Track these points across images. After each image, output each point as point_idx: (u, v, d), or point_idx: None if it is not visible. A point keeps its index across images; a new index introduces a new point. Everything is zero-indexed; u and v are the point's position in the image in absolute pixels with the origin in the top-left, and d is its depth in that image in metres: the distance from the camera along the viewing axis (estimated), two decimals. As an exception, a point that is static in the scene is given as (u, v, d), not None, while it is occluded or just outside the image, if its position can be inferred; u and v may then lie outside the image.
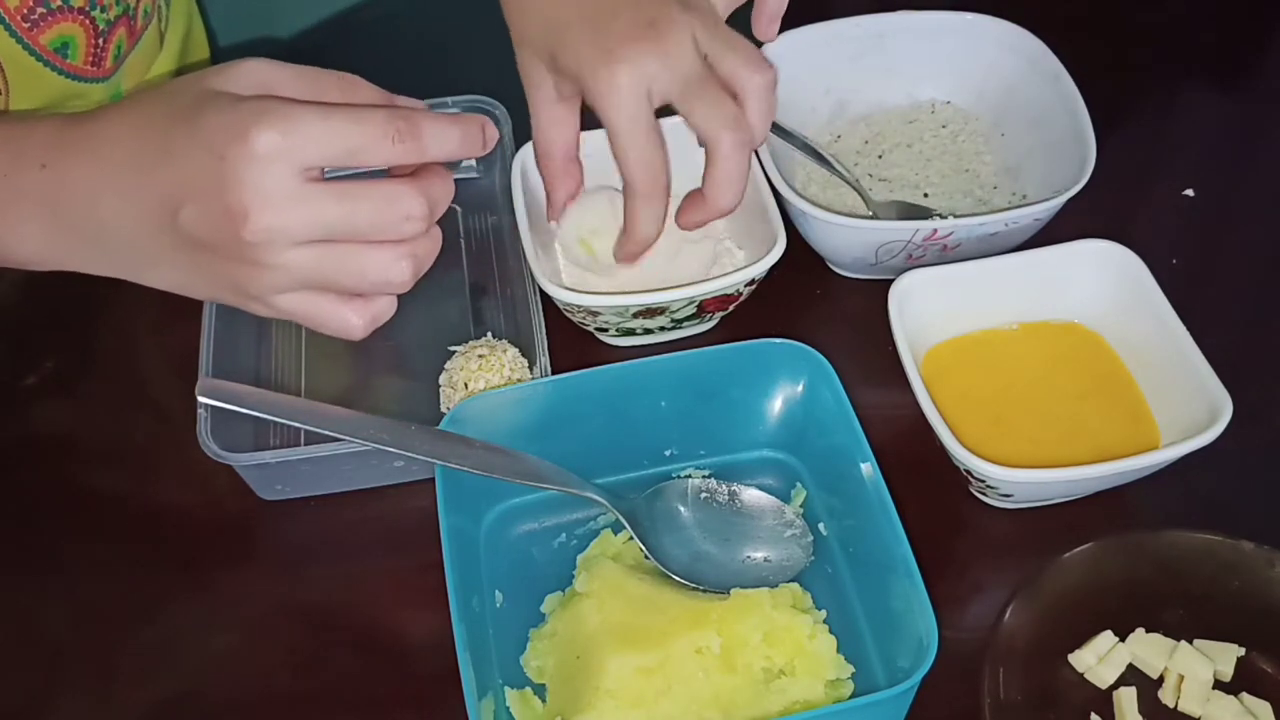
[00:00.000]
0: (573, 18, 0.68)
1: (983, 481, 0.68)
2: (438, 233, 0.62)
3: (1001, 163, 0.85)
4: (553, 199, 0.75)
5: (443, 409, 0.72)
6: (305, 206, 0.57)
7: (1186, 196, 0.87)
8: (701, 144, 0.68)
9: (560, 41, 0.68)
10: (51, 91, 0.83)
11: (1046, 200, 0.76)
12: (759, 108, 0.68)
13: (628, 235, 0.70)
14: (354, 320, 0.62)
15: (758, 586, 0.65)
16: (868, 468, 0.64)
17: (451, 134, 0.61)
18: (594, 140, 0.81)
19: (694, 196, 0.71)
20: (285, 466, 0.70)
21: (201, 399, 0.64)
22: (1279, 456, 0.74)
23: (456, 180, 0.87)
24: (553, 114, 0.72)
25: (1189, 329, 0.70)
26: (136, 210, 0.60)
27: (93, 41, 0.83)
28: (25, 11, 0.78)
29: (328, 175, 0.59)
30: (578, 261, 0.78)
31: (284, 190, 0.57)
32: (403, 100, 0.63)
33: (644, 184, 0.68)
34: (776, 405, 0.71)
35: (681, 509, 0.69)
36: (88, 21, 0.82)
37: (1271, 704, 0.63)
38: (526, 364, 0.73)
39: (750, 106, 0.68)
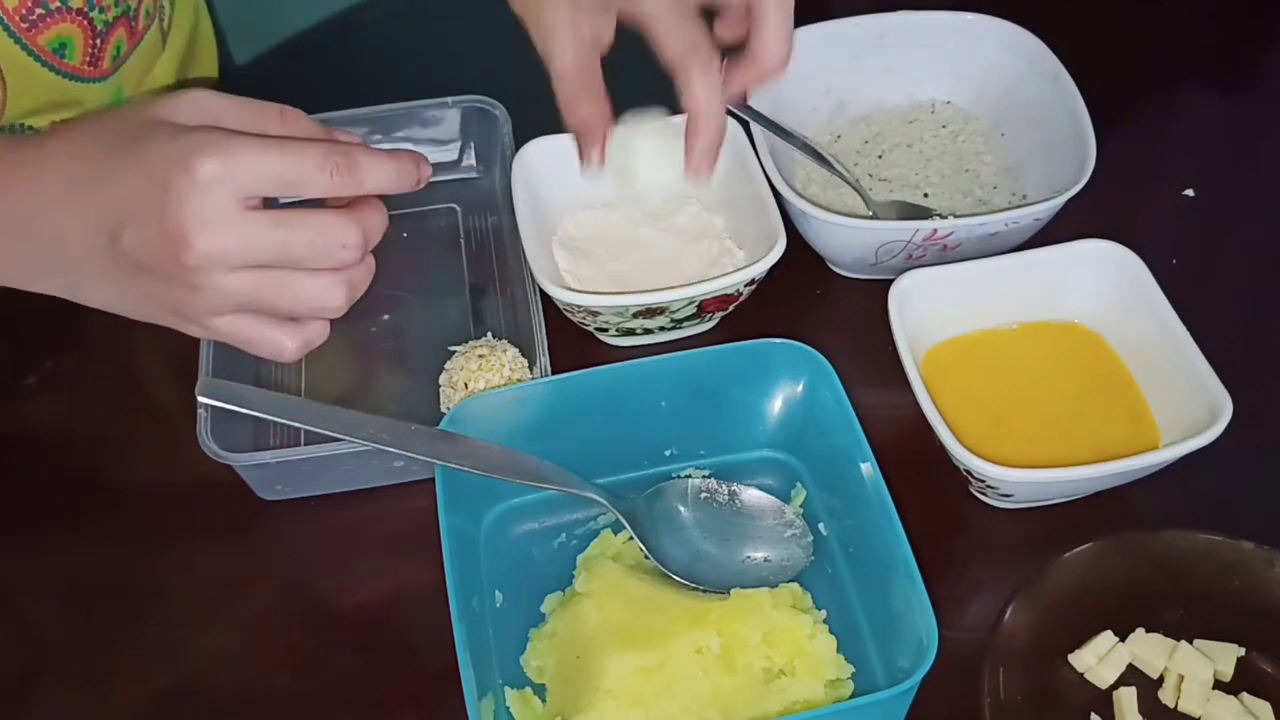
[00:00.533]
0: None
1: (983, 481, 0.68)
2: (371, 261, 0.63)
3: (1001, 163, 0.85)
4: (590, 128, 0.73)
5: (443, 409, 0.72)
6: (244, 233, 0.59)
7: (1186, 196, 0.87)
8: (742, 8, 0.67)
9: None
10: (49, 91, 0.84)
11: (1046, 200, 0.76)
12: None
13: (692, 120, 0.69)
14: (287, 344, 0.63)
15: (758, 586, 0.65)
16: (868, 468, 0.64)
17: (386, 168, 0.63)
18: (573, 143, 0.81)
19: (735, 63, 0.69)
20: (285, 466, 0.70)
21: (201, 399, 0.64)
22: (1279, 456, 0.74)
23: (457, 180, 0.88)
24: (583, 52, 0.71)
25: (1189, 329, 0.70)
26: (76, 231, 0.61)
27: (90, 42, 0.84)
28: (24, 12, 0.79)
29: (273, 204, 0.61)
30: (633, 193, 0.76)
31: (224, 217, 0.58)
32: (341, 134, 0.65)
33: (699, 66, 0.67)
34: (776, 405, 0.71)
35: (681, 509, 0.69)
36: (85, 22, 0.83)
37: (1271, 704, 0.63)
38: (526, 364, 0.73)
39: None
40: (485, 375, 0.71)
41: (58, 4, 0.80)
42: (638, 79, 0.82)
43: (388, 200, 0.65)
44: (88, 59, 0.85)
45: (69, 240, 0.62)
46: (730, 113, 0.80)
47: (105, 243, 0.60)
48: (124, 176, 0.60)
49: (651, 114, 0.75)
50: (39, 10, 0.80)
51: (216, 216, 0.58)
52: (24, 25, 0.79)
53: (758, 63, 0.69)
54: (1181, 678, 0.64)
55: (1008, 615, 0.63)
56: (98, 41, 0.84)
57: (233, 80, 1.00)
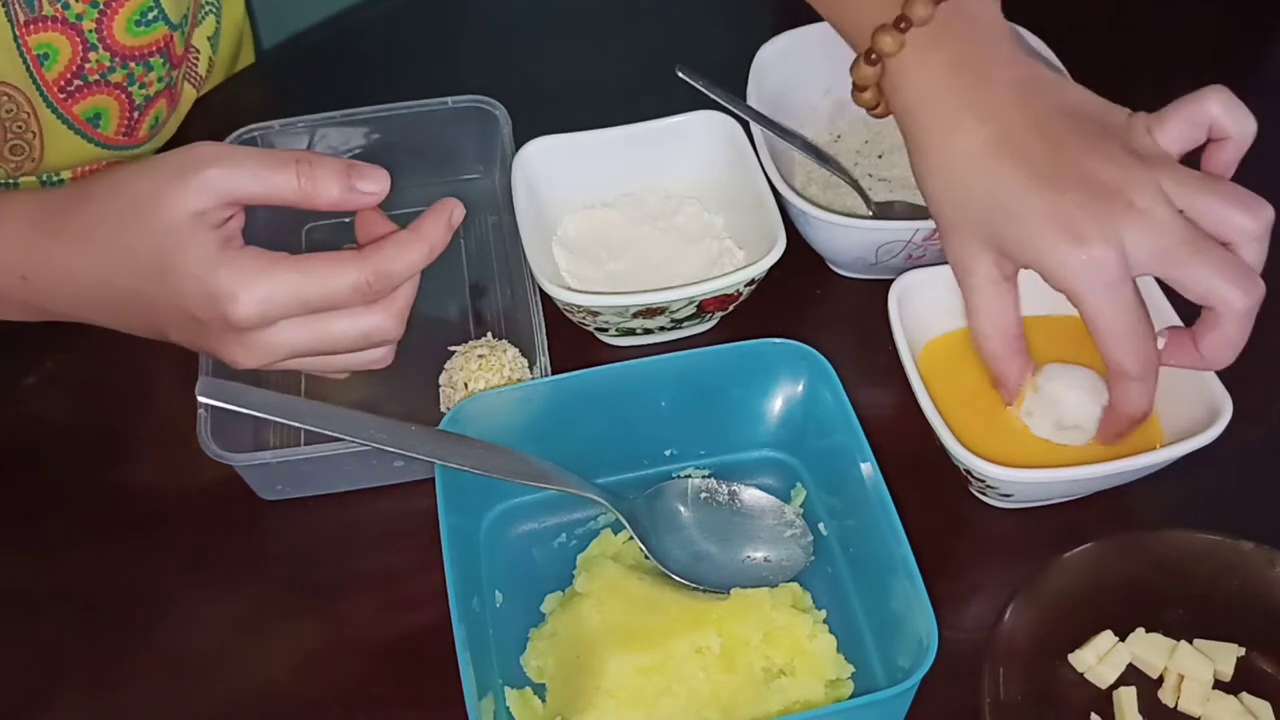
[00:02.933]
0: (1017, 199, 0.63)
1: (983, 481, 0.68)
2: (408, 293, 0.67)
3: (1001, 163, 0.85)
4: (1009, 384, 0.69)
5: (443, 409, 0.72)
6: (284, 348, 0.64)
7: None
8: (1200, 304, 0.63)
9: (1006, 224, 0.64)
10: (82, 155, 0.86)
11: (1046, 200, 0.76)
12: (1258, 252, 0.62)
13: (1117, 414, 0.66)
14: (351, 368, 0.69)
15: (758, 586, 0.65)
16: (868, 468, 0.64)
17: (417, 255, 0.65)
18: (577, 143, 0.81)
19: (1180, 341, 0.66)
20: (285, 466, 0.70)
21: (201, 399, 0.64)
22: (1279, 456, 0.74)
23: (456, 180, 0.88)
24: (997, 294, 0.66)
25: (1189, 329, 0.70)
26: (123, 326, 0.68)
27: (127, 114, 0.85)
28: (63, 84, 0.80)
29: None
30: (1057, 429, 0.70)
31: (264, 345, 0.64)
32: (364, 169, 0.65)
33: (1137, 367, 0.63)
34: (776, 405, 0.71)
35: (681, 509, 0.69)
36: (124, 96, 0.84)
37: (1271, 704, 0.63)
38: (526, 364, 0.73)
39: (1248, 253, 0.62)
40: (485, 375, 0.71)
41: (97, 77, 0.82)
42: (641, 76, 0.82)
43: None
44: (123, 130, 0.86)
45: (114, 324, 0.68)
46: (730, 112, 0.81)
47: (151, 332, 0.67)
48: (161, 298, 0.63)
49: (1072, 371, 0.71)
50: (78, 81, 0.81)
51: (256, 343, 0.63)
52: (61, 95, 0.81)
53: (1202, 357, 0.64)
54: (1181, 678, 0.64)
55: (1008, 615, 0.63)
56: (135, 114, 0.86)
57: (234, 81, 1.00)
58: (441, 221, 0.66)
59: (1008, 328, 0.67)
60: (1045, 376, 0.70)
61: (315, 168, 0.63)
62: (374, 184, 0.64)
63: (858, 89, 0.72)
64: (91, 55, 0.81)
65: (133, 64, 0.83)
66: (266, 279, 0.62)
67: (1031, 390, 0.70)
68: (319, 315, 0.64)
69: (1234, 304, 0.61)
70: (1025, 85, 0.67)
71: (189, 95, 0.93)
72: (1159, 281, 0.71)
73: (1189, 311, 0.70)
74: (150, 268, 0.62)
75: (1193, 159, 0.66)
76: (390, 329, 0.66)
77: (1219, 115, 0.65)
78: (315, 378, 0.75)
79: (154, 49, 0.84)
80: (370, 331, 0.65)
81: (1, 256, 0.66)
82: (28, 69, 0.80)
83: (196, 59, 0.92)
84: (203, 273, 0.61)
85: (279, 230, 0.81)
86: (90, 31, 0.81)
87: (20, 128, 0.81)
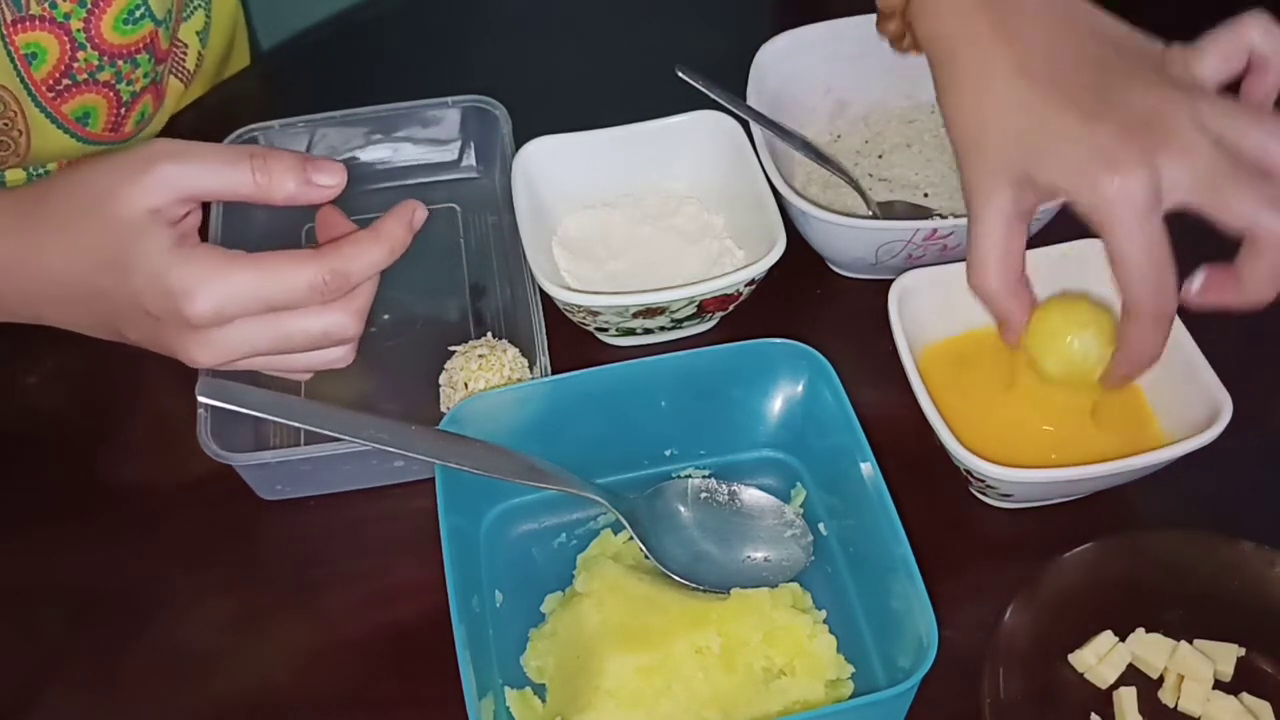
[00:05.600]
0: (1051, 125, 0.61)
1: (983, 481, 0.68)
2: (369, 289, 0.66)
3: (1001, 163, 0.85)
4: (1011, 323, 0.66)
5: (443, 409, 0.72)
6: (241, 344, 0.63)
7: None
8: (1238, 234, 0.60)
9: (1040, 153, 0.62)
10: (68, 150, 0.87)
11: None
12: None
13: (1126, 357, 0.64)
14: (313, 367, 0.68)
15: (758, 586, 0.65)
16: (868, 467, 0.64)
17: (377, 256, 0.64)
18: (577, 143, 0.81)
19: (1219, 279, 0.62)
20: (285, 466, 0.70)
21: (201, 399, 0.64)
22: (1279, 456, 0.74)
23: (456, 180, 0.88)
24: (1007, 230, 0.64)
25: (1189, 329, 0.70)
26: (80, 325, 0.67)
27: (114, 111, 0.85)
28: (51, 83, 0.80)
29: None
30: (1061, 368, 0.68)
31: (219, 340, 0.63)
32: (320, 162, 0.64)
33: (1154, 307, 0.61)
34: (776, 405, 0.71)
35: (681, 509, 0.69)
36: (112, 94, 0.84)
37: (1271, 704, 0.63)
38: (526, 364, 0.73)
39: None
40: (485, 375, 0.71)
41: (86, 76, 0.82)
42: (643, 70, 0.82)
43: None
44: (109, 126, 0.86)
45: (73, 324, 0.68)
46: (730, 112, 0.81)
47: (109, 332, 0.66)
48: (119, 296, 0.63)
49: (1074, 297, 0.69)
50: (66, 81, 0.81)
51: (216, 345, 0.63)
52: (50, 95, 0.80)
53: (1241, 291, 0.61)
54: (1181, 677, 0.64)
55: (1008, 615, 0.64)
56: (121, 110, 0.86)
57: (233, 81, 1.00)
58: (403, 222, 0.65)
59: (1012, 266, 0.65)
60: (1049, 310, 0.68)
61: (270, 162, 0.62)
62: (330, 177, 0.63)
63: (883, 16, 0.71)
64: (80, 54, 0.81)
65: (120, 62, 0.83)
66: (223, 276, 0.61)
67: (1037, 324, 0.67)
68: (277, 314, 0.63)
69: (1275, 230, 0.59)
70: (1059, 12, 0.65)
71: (175, 89, 0.92)
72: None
73: (1193, 324, 0.70)
74: (107, 265, 0.62)
75: (1232, 89, 0.64)
76: (349, 327, 0.65)
77: (1259, 42, 0.63)
78: (315, 378, 0.75)
79: (140, 46, 0.84)
80: (329, 329, 0.64)
81: None
82: (15, 69, 0.80)
83: (184, 53, 0.92)
84: (158, 269, 0.61)
85: (278, 229, 0.81)
86: (78, 31, 0.80)
87: (7, 125, 0.81)
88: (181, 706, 0.67)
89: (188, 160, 0.62)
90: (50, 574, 0.72)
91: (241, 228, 0.78)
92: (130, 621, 0.69)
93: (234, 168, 0.62)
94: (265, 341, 0.63)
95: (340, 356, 0.67)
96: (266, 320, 0.63)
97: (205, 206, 0.66)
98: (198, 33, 0.93)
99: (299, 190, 0.63)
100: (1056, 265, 0.73)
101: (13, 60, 0.79)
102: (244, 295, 0.61)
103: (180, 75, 0.92)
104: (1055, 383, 0.68)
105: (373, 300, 0.66)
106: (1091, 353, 0.67)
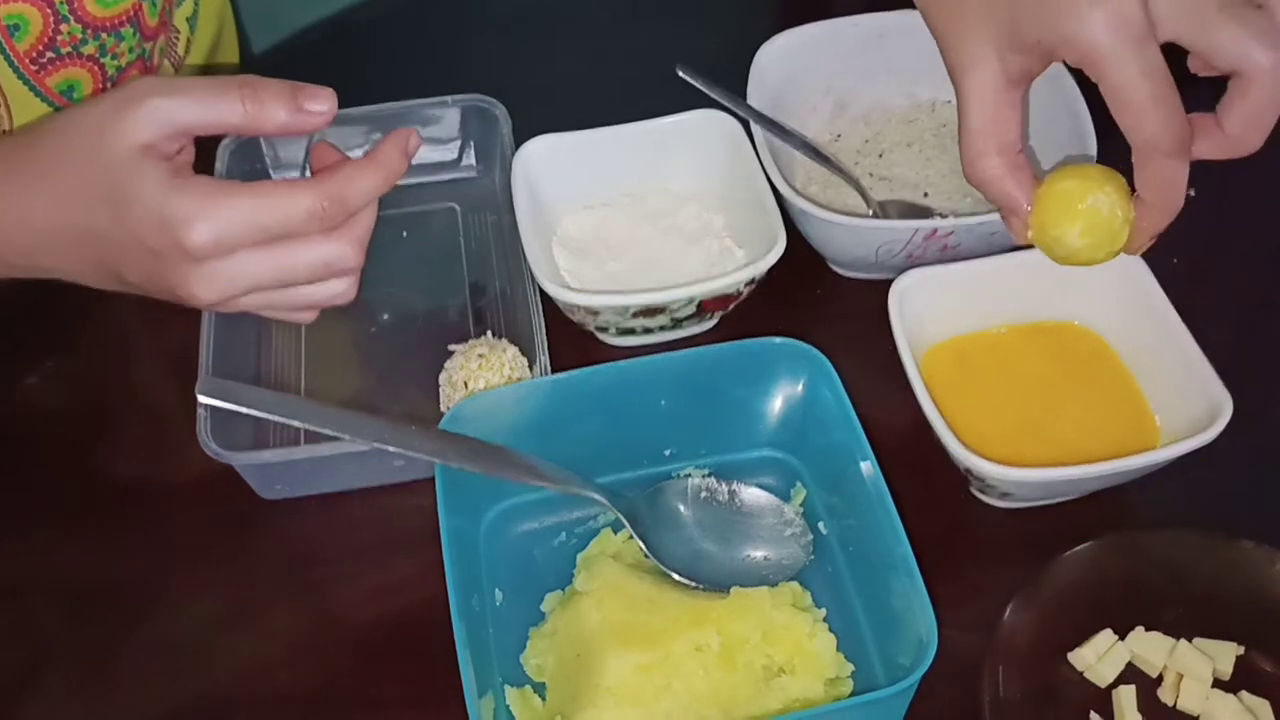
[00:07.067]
0: None
1: (983, 481, 0.68)
2: (368, 218, 0.65)
3: (1001, 162, 0.85)
4: (1015, 210, 0.63)
5: (443, 409, 0.72)
6: (243, 279, 0.62)
7: (1187, 196, 0.87)
8: (1227, 71, 0.58)
9: (1022, 6, 0.59)
10: None
11: (1046, 200, 0.76)
12: None
13: (1152, 205, 0.60)
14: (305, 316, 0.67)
15: (757, 585, 0.65)
16: (868, 467, 0.64)
17: (373, 181, 0.64)
18: (577, 143, 0.81)
19: (1203, 126, 0.60)
20: (285, 466, 0.70)
21: (201, 399, 0.64)
22: (1279, 456, 0.74)
23: (456, 180, 0.88)
24: (997, 100, 0.61)
25: (1189, 329, 0.70)
26: (76, 270, 0.65)
27: (99, 86, 0.84)
28: (34, 55, 0.79)
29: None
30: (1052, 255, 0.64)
31: (220, 272, 0.61)
32: (311, 89, 0.63)
33: (1169, 138, 0.58)
34: (776, 404, 0.71)
35: (681, 508, 0.69)
36: (97, 68, 0.83)
37: (1270, 702, 0.63)
38: (526, 363, 0.73)
39: None
40: (485, 375, 0.71)
41: (69, 49, 0.81)
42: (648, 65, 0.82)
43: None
44: None
45: (71, 272, 0.65)
46: (730, 112, 0.81)
47: (109, 277, 0.64)
48: (116, 233, 0.62)
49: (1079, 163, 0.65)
50: (49, 54, 0.80)
51: (216, 278, 0.61)
52: (33, 68, 0.80)
53: (1229, 140, 0.59)
54: (1180, 676, 0.64)
55: (1008, 614, 0.64)
56: (107, 85, 0.85)
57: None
58: (398, 148, 0.64)
59: (1009, 143, 0.61)
60: (1057, 178, 0.63)
61: (260, 90, 0.61)
62: (321, 104, 0.63)
63: None
64: (63, 27, 0.80)
65: (104, 35, 0.82)
66: (222, 203, 0.60)
67: (1047, 198, 0.63)
68: (277, 244, 0.62)
69: (1264, 65, 0.57)
70: None
71: (167, 72, 0.92)
72: (1158, 281, 0.71)
73: (1193, 324, 0.70)
74: (103, 203, 0.61)
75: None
76: (350, 257, 0.63)
77: None
78: (315, 377, 0.76)
79: (124, 18, 0.83)
80: (330, 260, 0.63)
81: None
82: None
83: (176, 39, 0.92)
84: (156, 200, 0.60)
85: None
86: (61, 3, 0.80)
87: None
88: (180, 705, 0.67)
89: (176, 94, 0.61)
90: (50, 572, 0.72)
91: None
92: (130, 621, 0.69)
93: (223, 98, 0.61)
94: (267, 274, 0.62)
95: (342, 291, 0.65)
96: (267, 250, 0.62)
97: (206, 161, 0.65)
98: (187, 19, 0.92)
99: (291, 119, 0.62)
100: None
101: None
102: (243, 222, 0.60)
103: (173, 60, 0.92)
104: (1078, 260, 0.63)
105: (372, 231, 0.65)
106: (1117, 210, 0.62)
